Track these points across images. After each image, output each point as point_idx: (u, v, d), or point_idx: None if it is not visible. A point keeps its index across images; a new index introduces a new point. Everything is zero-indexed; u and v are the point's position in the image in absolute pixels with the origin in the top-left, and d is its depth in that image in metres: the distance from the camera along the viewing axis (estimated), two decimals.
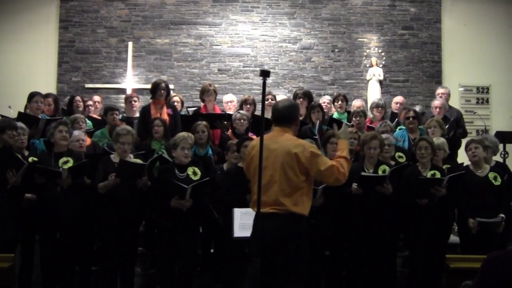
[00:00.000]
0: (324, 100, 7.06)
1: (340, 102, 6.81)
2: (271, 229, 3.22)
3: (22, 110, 6.06)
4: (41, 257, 4.77)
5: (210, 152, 5.49)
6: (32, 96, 5.92)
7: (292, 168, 3.30)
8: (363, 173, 4.69)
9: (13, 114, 6.28)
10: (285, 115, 3.47)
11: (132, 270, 4.84)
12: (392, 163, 5.10)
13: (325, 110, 6.39)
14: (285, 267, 3.27)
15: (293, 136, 3.48)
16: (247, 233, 4.09)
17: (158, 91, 6.13)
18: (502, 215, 4.77)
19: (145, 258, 5.55)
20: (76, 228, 4.76)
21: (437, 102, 6.61)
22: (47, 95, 6.37)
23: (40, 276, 4.79)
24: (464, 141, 5.94)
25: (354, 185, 4.68)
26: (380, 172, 4.75)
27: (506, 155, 7.09)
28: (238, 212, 4.30)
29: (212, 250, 5.45)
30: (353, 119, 6.03)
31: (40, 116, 5.80)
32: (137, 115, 6.41)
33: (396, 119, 6.53)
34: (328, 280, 5.14)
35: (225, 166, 5.13)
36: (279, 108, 3.52)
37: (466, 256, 4.48)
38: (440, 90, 7.20)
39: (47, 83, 9.00)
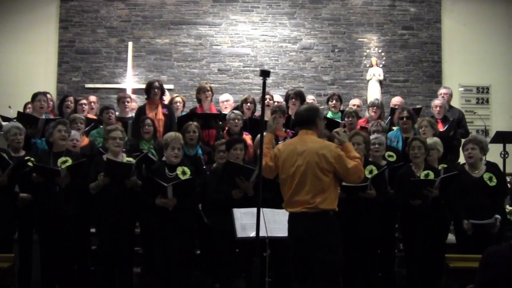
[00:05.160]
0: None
1: (334, 102, 6.80)
2: (304, 227, 3.55)
3: (22, 110, 6.07)
4: (40, 256, 4.77)
5: (200, 152, 5.46)
6: (35, 95, 5.98)
7: (321, 169, 3.58)
8: (343, 184, 4.57)
9: (13, 114, 6.29)
10: (306, 118, 3.76)
11: (130, 269, 4.83)
12: (384, 162, 5.09)
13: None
14: (319, 261, 3.53)
15: (318, 138, 3.74)
16: (249, 233, 4.11)
17: (152, 90, 6.13)
18: (497, 216, 4.70)
19: (143, 258, 5.54)
20: (74, 228, 4.75)
21: (437, 102, 6.60)
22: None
23: (40, 276, 4.78)
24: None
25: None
26: (366, 173, 4.64)
27: (506, 155, 7.07)
28: (238, 213, 4.29)
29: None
30: (345, 119, 6.02)
31: (43, 116, 5.82)
32: (130, 115, 6.40)
33: (389, 118, 6.50)
34: None
35: (214, 166, 5.12)
36: (300, 112, 3.84)
37: (465, 256, 4.44)
38: (442, 90, 7.18)
39: (47, 83, 8.98)
